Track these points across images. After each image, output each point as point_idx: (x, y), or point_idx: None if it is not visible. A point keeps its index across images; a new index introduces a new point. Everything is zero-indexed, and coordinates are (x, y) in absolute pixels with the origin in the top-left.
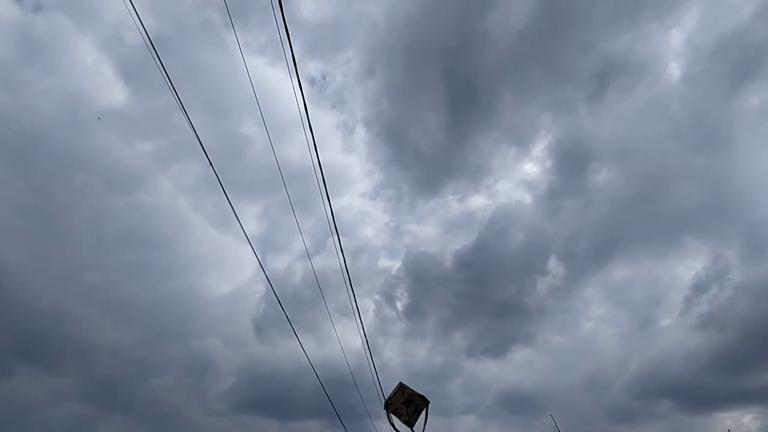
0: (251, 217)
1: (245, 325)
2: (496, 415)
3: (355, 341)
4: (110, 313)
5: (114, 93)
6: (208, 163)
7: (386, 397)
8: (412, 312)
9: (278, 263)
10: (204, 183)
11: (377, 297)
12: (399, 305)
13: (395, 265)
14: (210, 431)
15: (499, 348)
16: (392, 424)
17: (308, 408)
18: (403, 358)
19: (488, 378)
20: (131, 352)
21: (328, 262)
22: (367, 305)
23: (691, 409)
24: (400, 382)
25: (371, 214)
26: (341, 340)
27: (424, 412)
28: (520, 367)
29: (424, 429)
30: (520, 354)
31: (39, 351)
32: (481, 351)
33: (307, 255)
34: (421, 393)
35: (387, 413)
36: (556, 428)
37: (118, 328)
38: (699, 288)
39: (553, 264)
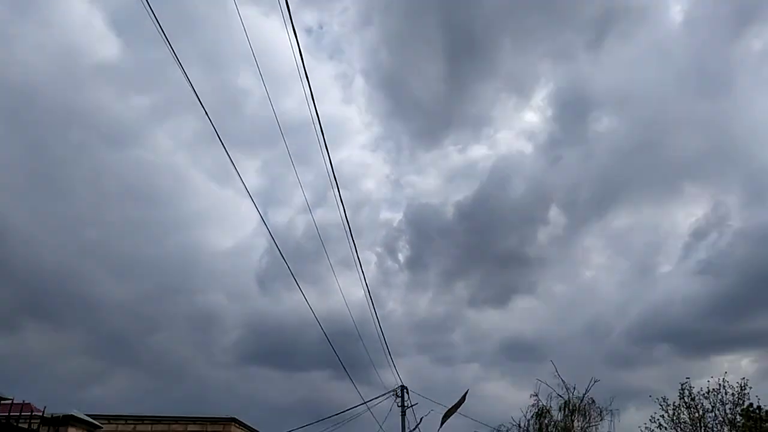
0: (251, 171)
1: (248, 280)
2: (498, 363)
3: (358, 293)
4: (113, 269)
5: (106, 46)
6: (206, 116)
7: (447, 409)
8: (414, 263)
9: (279, 217)
10: (202, 137)
11: (379, 249)
12: (401, 257)
13: (396, 217)
14: (217, 383)
15: (500, 297)
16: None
17: (313, 359)
18: (405, 309)
19: (490, 327)
20: (136, 308)
21: (329, 215)
22: (369, 258)
23: (690, 353)
24: (455, 406)
25: (371, 166)
26: (344, 292)
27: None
28: (521, 315)
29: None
30: (522, 303)
31: (44, 307)
32: (482, 300)
33: (308, 208)
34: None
35: (441, 422)
36: (556, 374)
37: (122, 283)
38: (698, 235)
39: (554, 214)
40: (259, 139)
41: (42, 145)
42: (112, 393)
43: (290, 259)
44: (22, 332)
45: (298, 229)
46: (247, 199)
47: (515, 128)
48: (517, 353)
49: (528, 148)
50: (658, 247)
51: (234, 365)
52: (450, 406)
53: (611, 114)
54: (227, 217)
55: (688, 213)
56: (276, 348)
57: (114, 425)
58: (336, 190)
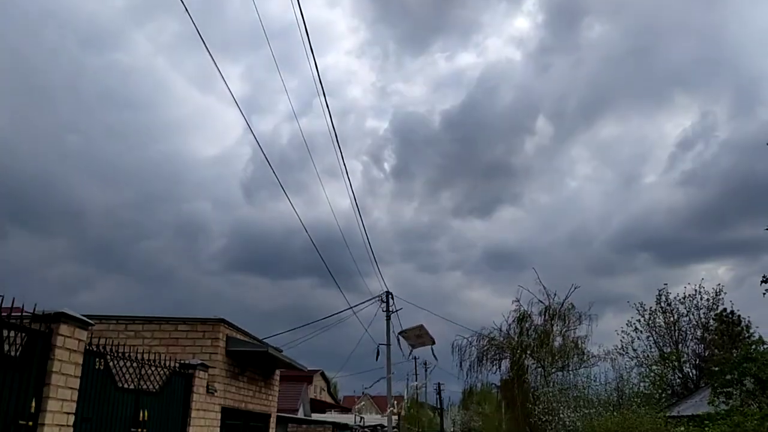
0: (234, 77)
1: (233, 188)
2: (481, 272)
3: (343, 203)
4: (96, 176)
5: None
6: (187, 16)
7: (403, 330)
8: (400, 173)
9: (264, 125)
10: (182, 41)
11: (365, 158)
12: (386, 166)
13: (382, 125)
14: (205, 289)
15: (485, 208)
16: (399, 342)
17: (299, 267)
18: (390, 218)
19: (474, 236)
20: (121, 215)
21: (314, 123)
22: (355, 167)
23: (669, 262)
24: (422, 324)
25: (357, 73)
26: (330, 202)
27: (431, 348)
28: (505, 225)
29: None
30: (506, 213)
31: (29, 214)
32: (467, 211)
33: (294, 116)
34: (433, 336)
35: (398, 338)
36: (538, 280)
37: (106, 191)
38: (685, 145)
39: (542, 123)
40: (241, 43)
41: (18, 50)
42: (101, 299)
43: (276, 168)
44: (7, 239)
45: (283, 137)
46: (231, 107)
47: (505, 35)
48: (500, 262)
49: (517, 55)
50: (644, 157)
51: (221, 272)
52: (409, 330)
53: (604, 21)
54: (210, 124)
55: (675, 123)
56: (262, 256)
57: (105, 325)
58: (323, 97)
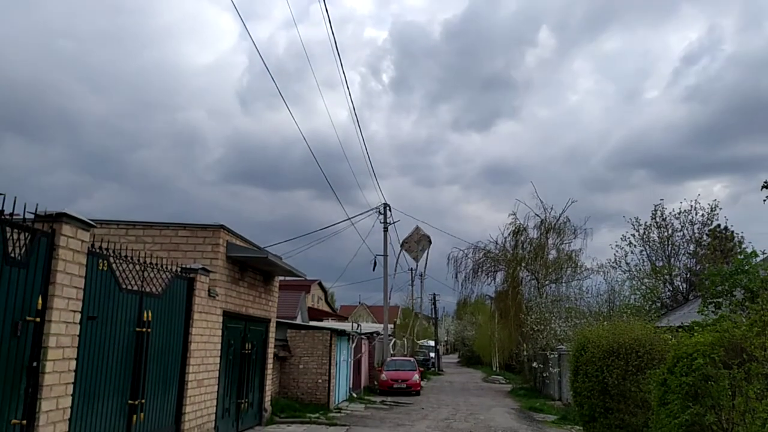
0: None
1: (229, 98)
2: (479, 186)
3: (341, 115)
4: (90, 82)
5: None
6: None
7: (403, 238)
8: (398, 85)
9: (260, 32)
10: None
11: (363, 70)
12: (385, 78)
13: (381, 35)
14: (201, 200)
15: (484, 121)
16: (402, 254)
17: (296, 179)
18: (388, 131)
19: (472, 151)
20: (116, 123)
21: (311, 32)
22: (353, 78)
23: (665, 179)
24: (417, 226)
25: None
26: (328, 112)
27: (427, 252)
28: (504, 140)
29: (425, 264)
30: (505, 127)
31: (23, 121)
32: (466, 124)
33: (294, 22)
34: (428, 234)
35: (401, 249)
36: (536, 194)
37: (101, 98)
38: (690, 59)
39: (544, 35)
40: None
41: None
42: (99, 207)
43: (273, 78)
44: (3, 146)
45: (279, 46)
46: (224, 12)
47: None
48: (498, 176)
49: None
50: (647, 72)
51: (218, 183)
52: (409, 238)
53: None
54: (203, 30)
55: (681, 36)
56: (259, 167)
57: (106, 229)
58: (322, 3)
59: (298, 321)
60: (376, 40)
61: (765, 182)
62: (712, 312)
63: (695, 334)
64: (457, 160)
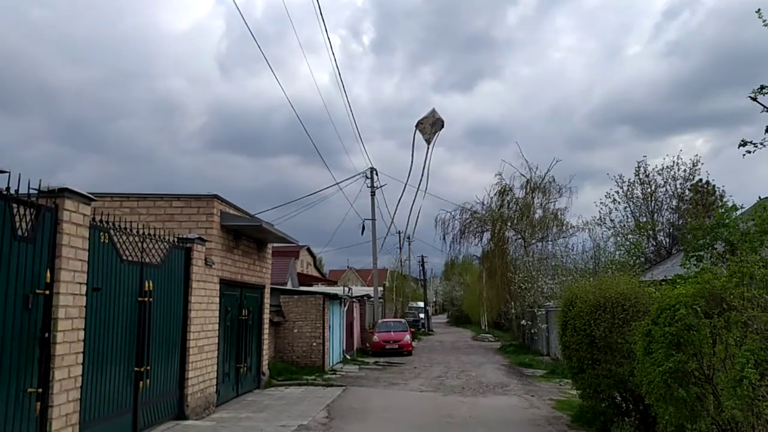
0: None
1: (209, 64)
2: (463, 147)
3: (321, 80)
4: (66, 52)
5: None
6: None
7: (418, 119)
8: (379, 47)
9: None
10: None
11: (343, 32)
12: (365, 40)
13: None
14: (184, 169)
15: (466, 82)
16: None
17: (279, 145)
18: (370, 94)
19: (455, 112)
20: (95, 93)
21: None
22: (333, 41)
23: (648, 135)
24: (433, 108)
25: None
26: (306, 77)
27: (437, 136)
28: (487, 100)
29: (432, 146)
30: (488, 87)
31: (0, 94)
32: (448, 85)
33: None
34: (442, 118)
35: (415, 129)
36: (521, 154)
37: (78, 68)
38: (670, 14)
39: None
40: None
41: None
42: (81, 179)
43: (252, 42)
44: None
45: (257, 7)
46: None
47: None
48: (482, 137)
49: None
50: (629, 27)
51: (201, 151)
52: (423, 119)
53: None
54: None
55: None
56: (242, 134)
57: (100, 202)
58: None
59: (289, 287)
60: (355, 1)
61: (742, 140)
62: (694, 265)
63: (678, 286)
64: None
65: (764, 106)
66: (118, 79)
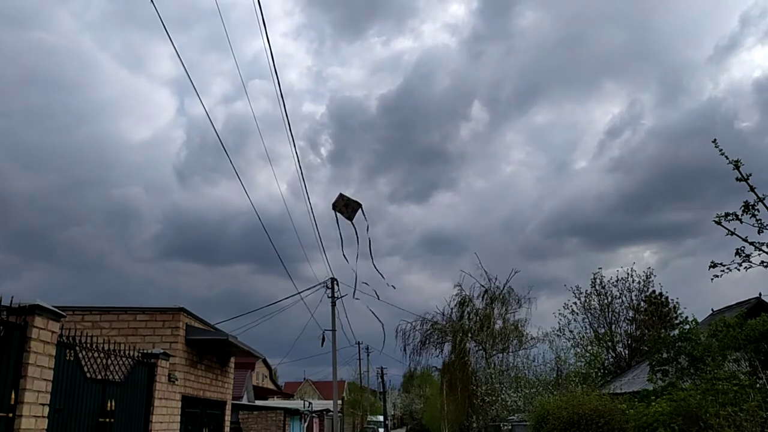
0: (164, 58)
1: (167, 173)
2: (419, 256)
3: (278, 190)
4: (20, 159)
5: None
6: None
7: (332, 203)
8: (337, 158)
9: (197, 108)
10: (109, 19)
11: (301, 143)
12: (323, 151)
13: (319, 110)
14: (137, 277)
15: (422, 193)
16: (337, 219)
17: (235, 253)
18: (327, 203)
19: (411, 221)
20: (48, 201)
21: (248, 108)
22: (291, 152)
23: (598, 246)
24: (341, 193)
25: (293, 56)
26: (262, 187)
27: (361, 210)
28: (442, 210)
29: (367, 228)
30: (443, 198)
31: None
32: (404, 196)
33: (247, 97)
34: (355, 199)
35: (335, 212)
36: (480, 265)
37: (31, 175)
38: (613, 132)
39: (477, 109)
40: (172, 22)
41: None
42: (28, 288)
43: (210, 152)
44: None
45: (218, 120)
46: (162, 87)
47: (439, 20)
48: (438, 246)
49: (452, 42)
50: (575, 143)
51: (154, 259)
52: (336, 202)
53: (535, 8)
54: (140, 106)
55: (605, 111)
56: (197, 242)
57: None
58: (275, 77)
59: (245, 401)
60: (314, 114)
61: (712, 262)
62: (660, 379)
63: (652, 403)
64: (397, 231)
65: (729, 231)
66: (72, 186)
